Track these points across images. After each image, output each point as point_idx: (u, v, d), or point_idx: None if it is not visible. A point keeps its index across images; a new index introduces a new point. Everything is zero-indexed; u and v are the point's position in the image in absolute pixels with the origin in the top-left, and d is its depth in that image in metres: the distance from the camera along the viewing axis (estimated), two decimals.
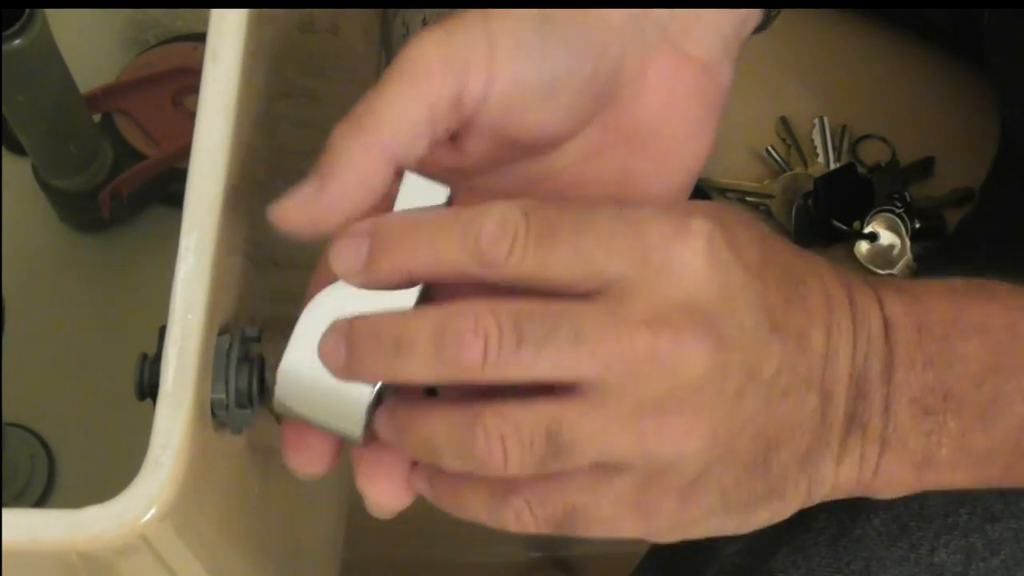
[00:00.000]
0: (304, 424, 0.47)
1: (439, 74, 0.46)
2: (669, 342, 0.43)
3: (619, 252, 0.43)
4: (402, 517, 0.99)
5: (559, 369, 0.43)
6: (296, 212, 0.46)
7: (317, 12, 0.66)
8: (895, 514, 0.57)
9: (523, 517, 0.45)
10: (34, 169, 0.75)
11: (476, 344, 0.43)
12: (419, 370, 0.44)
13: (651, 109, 0.51)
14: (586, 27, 0.48)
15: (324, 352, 0.46)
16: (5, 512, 0.43)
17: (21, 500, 0.71)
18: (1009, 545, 0.57)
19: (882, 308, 0.47)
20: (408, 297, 0.46)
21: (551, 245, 0.43)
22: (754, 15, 0.53)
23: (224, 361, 0.48)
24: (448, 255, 0.44)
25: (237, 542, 0.54)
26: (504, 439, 0.43)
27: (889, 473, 0.47)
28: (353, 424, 0.46)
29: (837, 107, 0.78)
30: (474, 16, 0.47)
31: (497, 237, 0.43)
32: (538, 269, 0.43)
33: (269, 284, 0.56)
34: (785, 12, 0.78)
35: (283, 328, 0.55)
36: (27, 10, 0.63)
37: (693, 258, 0.43)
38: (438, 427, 0.44)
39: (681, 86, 0.51)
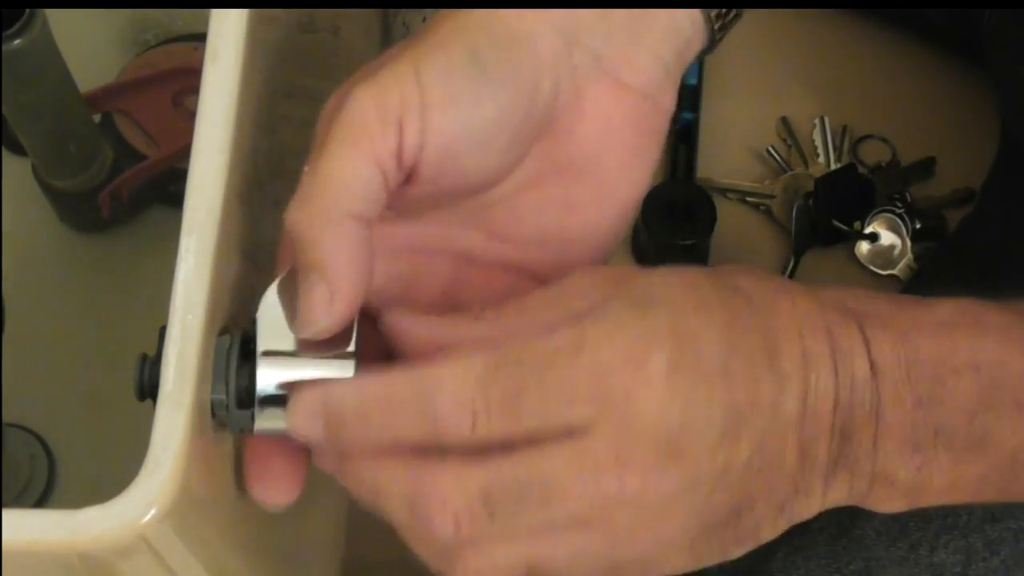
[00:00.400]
0: (266, 451, 0.48)
1: (379, 131, 0.46)
2: (636, 480, 0.44)
3: (582, 400, 0.44)
4: None
5: (534, 530, 0.44)
6: (326, 324, 0.46)
7: (317, 12, 0.66)
8: (895, 514, 0.57)
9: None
10: (34, 169, 0.75)
11: (446, 522, 0.44)
12: (394, 516, 0.46)
13: (587, 139, 0.51)
14: (517, 64, 0.48)
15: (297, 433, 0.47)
16: (5, 513, 0.43)
17: (21, 501, 0.71)
18: (1009, 545, 0.57)
19: (868, 350, 0.46)
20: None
21: (515, 411, 0.44)
22: (698, 38, 0.53)
23: (224, 362, 0.48)
24: (409, 437, 0.45)
25: (237, 543, 0.54)
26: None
27: (879, 499, 0.47)
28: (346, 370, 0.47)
29: (838, 107, 0.78)
30: (405, 65, 0.47)
31: (456, 416, 0.44)
32: (505, 434, 0.44)
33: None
34: (786, 12, 0.78)
35: None
36: (27, 10, 0.63)
37: (652, 395, 0.44)
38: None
39: (618, 114, 0.51)
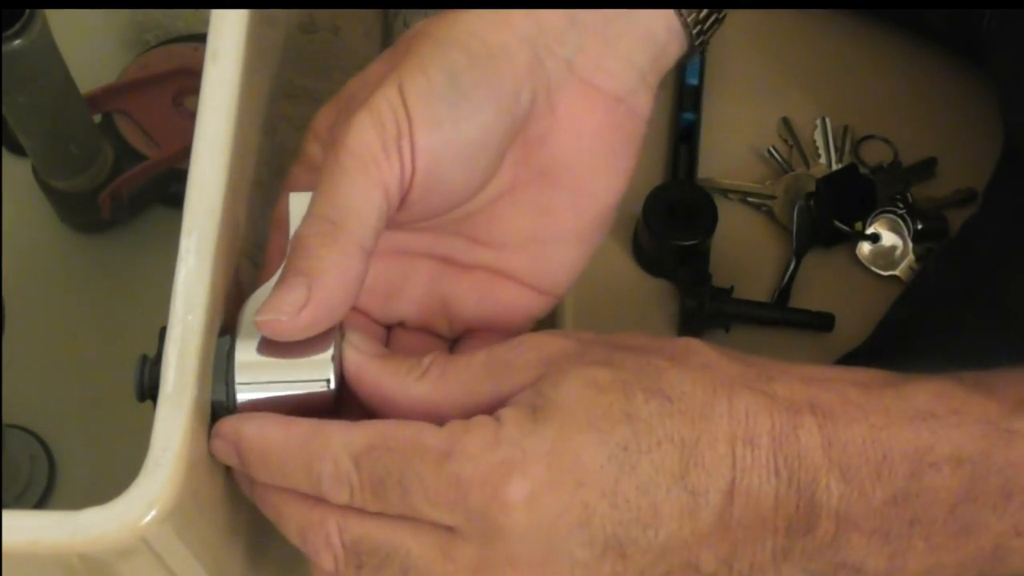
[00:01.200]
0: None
1: (384, 160, 0.47)
2: None
3: (445, 509, 0.45)
4: None
5: None
6: (288, 325, 0.47)
7: (318, 12, 0.66)
8: None
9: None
10: (34, 170, 0.75)
11: (327, 558, 0.47)
12: (290, 538, 0.48)
13: (561, 145, 0.51)
14: (496, 82, 0.49)
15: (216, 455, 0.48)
16: (5, 514, 0.43)
17: (21, 501, 0.71)
18: None
19: (828, 450, 0.45)
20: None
21: (383, 497, 0.45)
22: (675, 43, 0.53)
23: (225, 362, 0.48)
24: (299, 487, 0.47)
25: (238, 544, 0.54)
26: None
27: None
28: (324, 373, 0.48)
29: (839, 108, 0.78)
30: (391, 89, 0.48)
31: (335, 485, 0.46)
32: (378, 511, 0.46)
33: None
34: (787, 13, 0.78)
35: None
36: (27, 10, 0.63)
37: (510, 521, 0.44)
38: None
39: (592, 120, 0.52)
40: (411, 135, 0.47)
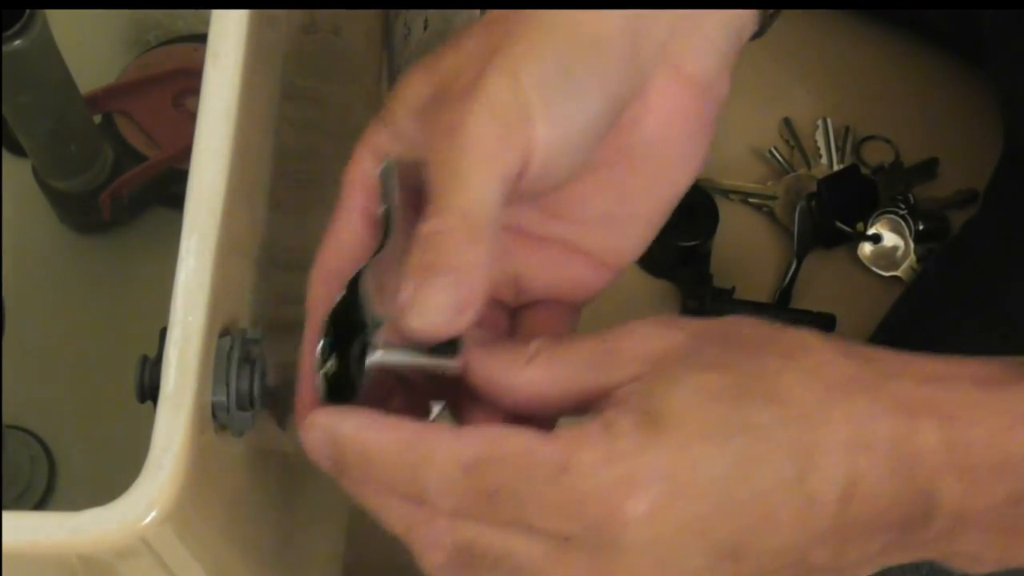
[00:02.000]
0: None
1: (505, 153, 0.46)
2: None
3: (561, 522, 0.44)
4: None
5: None
6: (444, 328, 0.46)
7: (318, 12, 0.66)
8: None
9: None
10: (34, 170, 0.75)
11: (438, 558, 0.46)
12: (394, 532, 0.47)
13: (650, 129, 0.51)
14: (603, 72, 0.48)
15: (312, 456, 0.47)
16: (5, 514, 0.43)
17: (21, 502, 0.71)
18: None
19: (952, 453, 0.44)
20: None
21: (494, 512, 0.44)
22: (749, 25, 0.53)
23: (225, 363, 0.47)
24: (403, 494, 0.46)
25: (238, 545, 0.54)
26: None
27: (962, 568, 0.47)
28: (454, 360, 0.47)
29: (840, 108, 0.78)
30: (507, 78, 0.47)
31: (443, 495, 0.45)
32: (487, 519, 0.45)
33: (270, 286, 0.56)
34: (788, 13, 0.78)
35: (285, 330, 0.55)
36: (27, 11, 0.63)
37: (629, 535, 0.43)
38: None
39: (680, 105, 0.51)
40: (531, 129, 0.47)
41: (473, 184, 0.46)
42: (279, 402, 0.54)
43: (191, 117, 0.49)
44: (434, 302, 0.45)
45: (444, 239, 0.46)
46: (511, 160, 0.47)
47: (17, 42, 0.63)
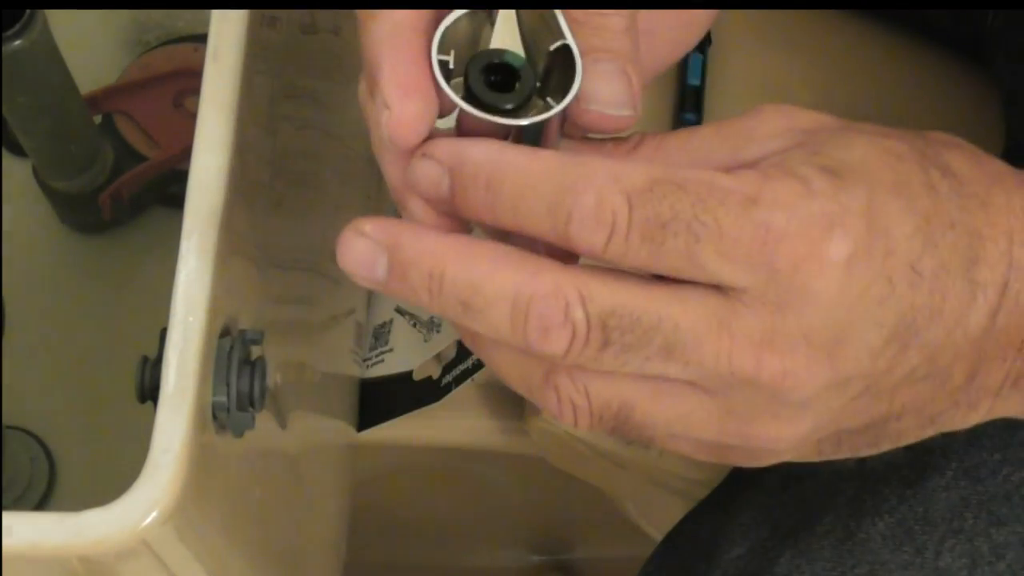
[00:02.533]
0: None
1: None
2: (775, 368, 0.39)
3: (741, 266, 0.38)
4: (404, 521, 0.99)
5: (642, 375, 0.39)
6: (626, 122, 0.40)
7: (319, 13, 0.66)
8: (900, 518, 0.57)
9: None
10: (34, 170, 0.75)
11: (561, 336, 0.38)
12: (487, 330, 0.39)
13: None
14: None
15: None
16: (5, 515, 0.43)
17: (21, 503, 0.71)
18: (1014, 549, 0.56)
19: None
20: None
21: (659, 246, 0.38)
22: None
23: (225, 363, 0.47)
24: (533, 227, 0.39)
25: (239, 545, 0.54)
26: (575, 406, 0.40)
27: None
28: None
29: (841, 108, 0.78)
30: None
31: (591, 225, 0.38)
32: (639, 266, 0.38)
33: (270, 286, 0.56)
34: (789, 13, 0.78)
35: (285, 330, 0.55)
36: (27, 11, 0.63)
37: (822, 283, 0.38)
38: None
39: None
40: None
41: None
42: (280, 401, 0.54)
43: (191, 117, 0.49)
44: (612, 93, 0.40)
45: (607, 21, 0.41)
46: None
47: (17, 42, 0.63)
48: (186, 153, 0.48)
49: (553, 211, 0.38)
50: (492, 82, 0.40)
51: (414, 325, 0.77)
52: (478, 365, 0.69)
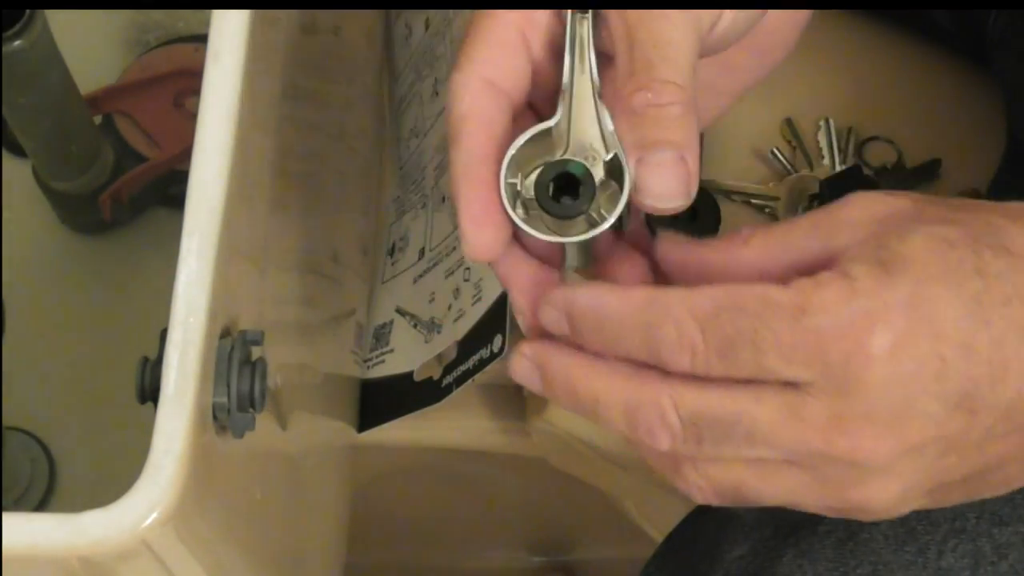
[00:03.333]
0: (487, 204, 0.48)
1: (703, 13, 0.48)
2: (845, 445, 0.44)
3: (802, 365, 0.44)
4: (405, 522, 0.99)
5: (743, 459, 0.46)
6: (679, 205, 0.47)
7: (319, 13, 0.66)
8: (902, 518, 0.57)
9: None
10: (35, 171, 0.75)
11: (663, 436, 0.45)
12: (615, 432, 0.47)
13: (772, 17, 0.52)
14: None
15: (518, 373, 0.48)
16: (5, 516, 0.43)
17: (21, 504, 0.71)
18: (1017, 549, 0.56)
19: None
20: None
21: (731, 360, 0.44)
22: None
23: (226, 364, 0.47)
24: (636, 355, 0.46)
25: (239, 547, 0.54)
26: (699, 488, 0.47)
27: None
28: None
29: (843, 109, 0.78)
30: None
31: (676, 351, 0.45)
32: (722, 375, 0.45)
33: (271, 287, 0.56)
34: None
35: (285, 330, 0.55)
36: (27, 11, 0.63)
37: (872, 373, 0.43)
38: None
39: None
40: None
41: (680, 49, 0.47)
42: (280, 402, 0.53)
43: (191, 118, 0.49)
44: (668, 183, 0.46)
45: (663, 113, 0.46)
46: (707, 20, 0.47)
47: (17, 42, 0.63)
48: (186, 153, 0.48)
49: (647, 344, 0.45)
50: (560, 186, 0.47)
51: (415, 326, 0.77)
52: (479, 366, 0.69)
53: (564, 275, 0.49)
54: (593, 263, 0.50)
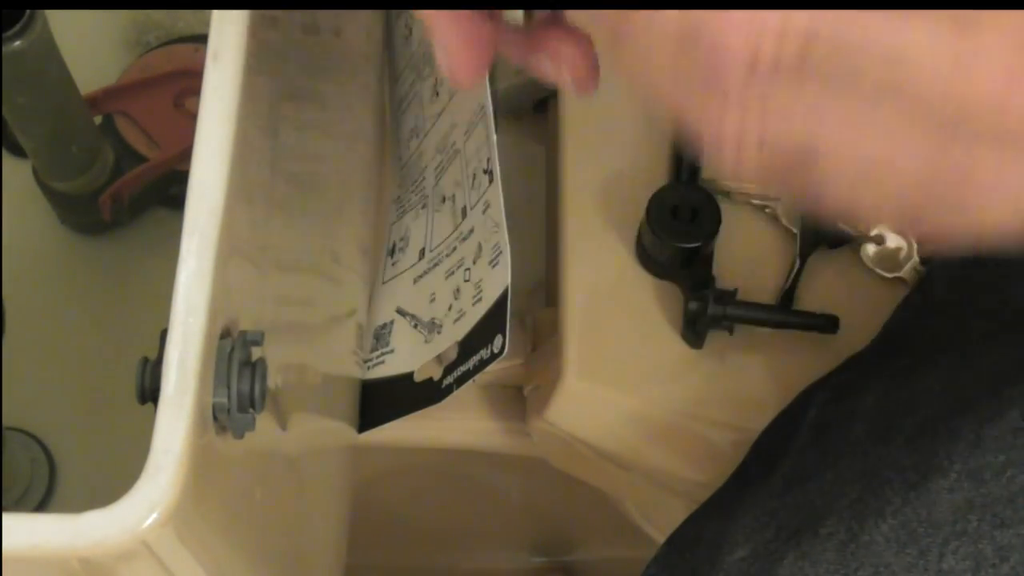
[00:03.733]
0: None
1: None
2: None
3: None
4: (405, 522, 0.99)
5: (846, 106, 0.34)
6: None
7: (320, 13, 0.65)
8: (904, 520, 0.57)
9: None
10: (34, 171, 0.75)
11: (739, 48, 0.32)
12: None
13: None
14: None
15: None
16: (5, 517, 0.43)
17: (21, 505, 0.71)
18: (1019, 552, 0.56)
19: None
20: None
21: None
22: None
23: (226, 365, 0.47)
24: None
25: (239, 547, 0.54)
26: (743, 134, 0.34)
27: None
28: None
29: None
30: None
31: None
32: None
33: (271, 287, 0.56)
34: None
35: (285, 330, 0.55)
36: (27, 11, 0.63)
37: None
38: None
39: None
40: None
41: None
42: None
43: (191, 118, 0.49)
44: None
45: None
46: None
47: (17, 42, 0.63)
48: (186, 154, 0.48)
49: None
50: None
51: (415, 326, 0.77)
52: (479, 366, 0.69)
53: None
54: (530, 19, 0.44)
